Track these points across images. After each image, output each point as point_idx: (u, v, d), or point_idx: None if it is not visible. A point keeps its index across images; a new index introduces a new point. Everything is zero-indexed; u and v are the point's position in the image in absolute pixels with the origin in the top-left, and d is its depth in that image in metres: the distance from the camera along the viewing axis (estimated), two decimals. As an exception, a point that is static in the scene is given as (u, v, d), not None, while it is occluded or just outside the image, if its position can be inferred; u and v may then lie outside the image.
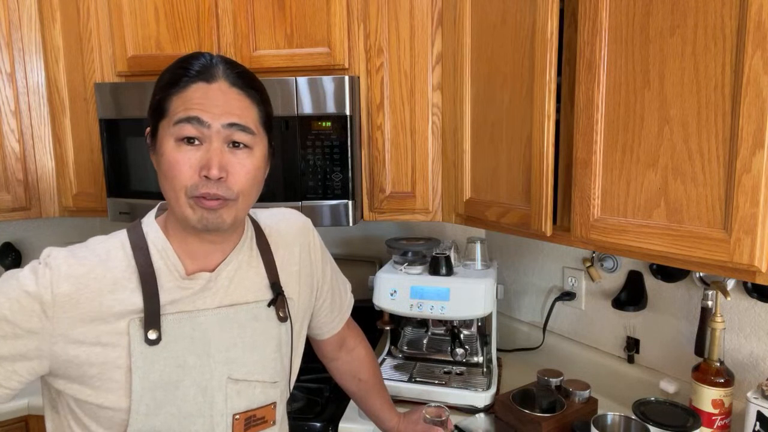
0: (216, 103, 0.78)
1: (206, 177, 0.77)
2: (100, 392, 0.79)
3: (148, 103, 0.84)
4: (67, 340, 0.77)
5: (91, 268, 0.79)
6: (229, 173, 0.79)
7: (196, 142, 0.78)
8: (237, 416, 0.87)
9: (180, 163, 0.78)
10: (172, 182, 0.79)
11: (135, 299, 0.80)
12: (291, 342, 0.96)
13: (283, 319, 0.93)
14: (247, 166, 0.81)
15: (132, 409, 0.79)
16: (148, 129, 0.85)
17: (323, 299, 1.07)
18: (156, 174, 0.84)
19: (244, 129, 0.80)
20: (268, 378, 0.91)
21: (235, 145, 0.81)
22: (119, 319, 0.79)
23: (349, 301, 1.16)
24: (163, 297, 0.82)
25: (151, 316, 0.80)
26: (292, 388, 1.00)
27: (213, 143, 0.78)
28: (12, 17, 1.63)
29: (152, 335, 0.80)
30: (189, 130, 0.77)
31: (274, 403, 0.92)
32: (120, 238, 0.84)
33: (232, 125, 0.79)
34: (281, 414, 0.96)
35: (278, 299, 0.92)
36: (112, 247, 0.83)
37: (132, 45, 1.58)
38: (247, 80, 0.83)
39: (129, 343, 0.79)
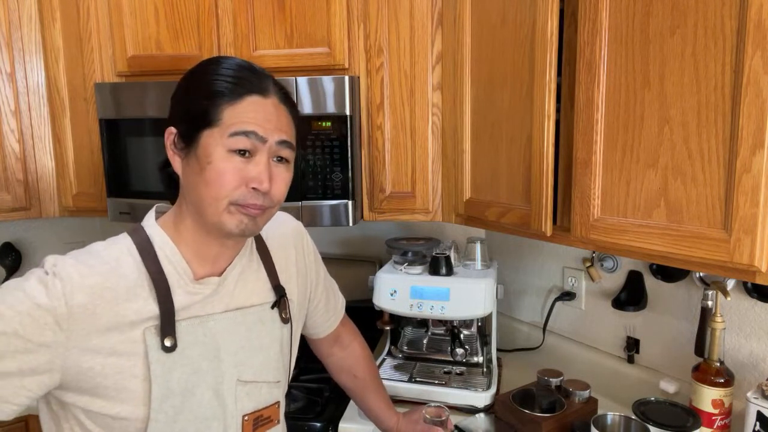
0: (269, 119, 0.80)
1: (254, 189, 0.79)
2: (114, 403, 0.77)
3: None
4: (82, 352, 0.75)
5: (105, 278, 0.77)
6: (272, 185, 0.81)
7: (247, 154, 0.80)
8: (246, 417, 0.88)
9: (229, 173, 0.78)
10: (216, 190, 0.79)
11: (150, 307, 0.79)
12: (291, 342, 0.97)
13: (286, 320, 0.95)
14: (286, 179, 0.85)
15: (151, 418, 0.78)
16: (174, 130, 0.82)
17: (318, 300, 1.09)
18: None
19: (290, 146, 0.84)
20: (273, 378, 0.92)
21: (278, 159, 0.83)
22: (134, 328, 0.78)
23: (342, 301, 1.19)
24: (176, 303, 0.81)
25: (167, 323, 0.80)
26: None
27: (263, 157, 0.80)
28: (12, 17, 1.63)
29: (168, 342, 0.79)
30: (245, 143, 0.78)
31: (278, 402, 0.94)
32: (125, 244, 0.83)
33: (282, 142, 0.82)
34: (283, 413, 0.98)
35: (281, 301, 0.94)
36: (120, 254, 0.81)
37: (132, 45, 1.57)
38: (290, 98, 0.87)
39: (146, 351, 0.78)
